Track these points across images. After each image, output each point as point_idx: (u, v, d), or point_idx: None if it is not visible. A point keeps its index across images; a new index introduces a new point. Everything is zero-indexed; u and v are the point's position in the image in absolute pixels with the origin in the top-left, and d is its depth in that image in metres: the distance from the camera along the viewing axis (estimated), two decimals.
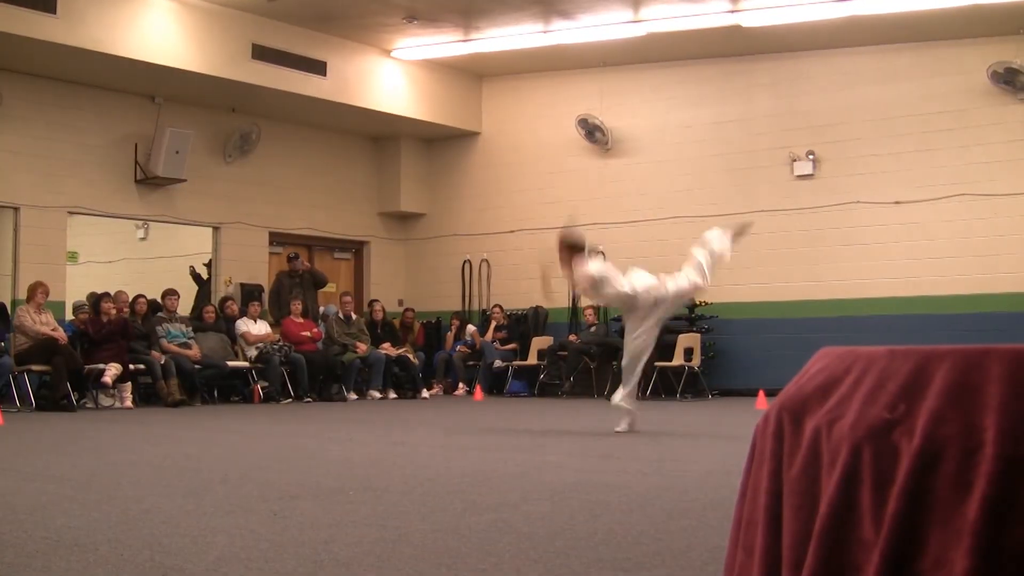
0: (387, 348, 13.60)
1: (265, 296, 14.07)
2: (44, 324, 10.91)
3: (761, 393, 10.75)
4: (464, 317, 15.37)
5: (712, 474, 5.33)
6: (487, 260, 15.65)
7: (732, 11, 12.14)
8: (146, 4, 12.00)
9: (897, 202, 12.68)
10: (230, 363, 12.26)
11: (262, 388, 12.36)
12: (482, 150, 15.83)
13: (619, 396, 7.79)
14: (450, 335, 15.20)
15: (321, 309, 14.13)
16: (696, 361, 12.88)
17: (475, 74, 15.51)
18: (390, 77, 14.48)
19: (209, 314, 12.68)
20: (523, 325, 14.94)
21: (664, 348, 11.70)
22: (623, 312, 7.80)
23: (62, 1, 11.16)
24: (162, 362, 11.41)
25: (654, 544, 3.34)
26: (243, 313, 13.05)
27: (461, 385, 14.49)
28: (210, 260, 14.27)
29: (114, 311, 11.39)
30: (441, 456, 6.43)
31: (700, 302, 13.46)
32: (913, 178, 12.61)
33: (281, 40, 13.12)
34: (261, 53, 12.93)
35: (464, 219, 15.85)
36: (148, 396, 11.69)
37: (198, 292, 14.11)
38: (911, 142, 12.66)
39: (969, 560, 1.41)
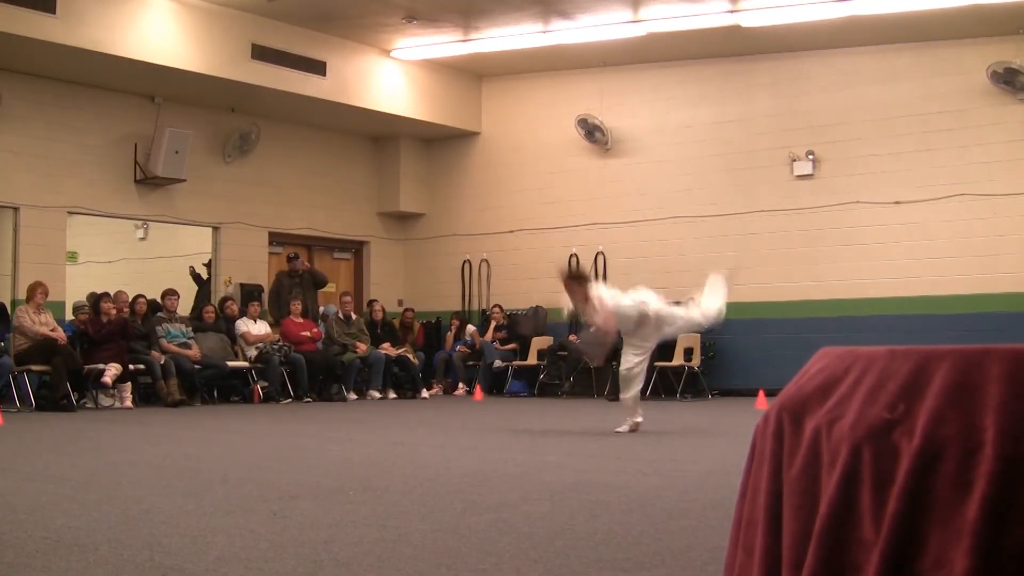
0: (387, 348, 13.60)
1: (265, 296, 14.07)
2: (43, 324, 10.91)
3: (761, 393, 10.75)
4: (464, 317, 15.38)
5: (712, 474, 5.33)
6: (487, 260, 15.65)
7: (732, 11, 12.14)
8: (146, 4, 12.00)
9: (897, 202, 12.68)
10: (230, 363, 12.26)
11: (262, 388, 12.36)
12: (482, 150, 15.83)
13: (629, 400, 7.79)
14: (450, 335, 15.20)
15: (321, 309, 14.13)
16: (696, 361, 12.88)
17: (475, 74, 15.51)
18: (390, 77, 14.48)
19: (209, 314, 12.68)
20: (523, 325, 14.92)
21: (664, 348, 11.69)
22: (627, 331, 7.75)
23: (62, 1, 11.16)
24: (162, 362, 11.41)
25: (654, 544, 3.34)
26: (243, 313, 13.05)
27: (461, 385, 14.49)
28: (210, 260, 14.27)
29: (114, 311, 11.39)
30: (441, 456, 6.43)
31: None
32: (913, 178, 12.61)
33: (281, 40, 13.12)
34: (261, 53, 12.93)
35: (464, 219, 15.85)
36: (148, 396, 11.69)
37: (198, 292, 14.11)
38: (911, 142, 12.66)
39: (969, 560, 1.41)
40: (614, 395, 10.79)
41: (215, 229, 14.13)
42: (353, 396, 13.04)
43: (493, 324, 14.80)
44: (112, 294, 11.77)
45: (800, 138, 13.30)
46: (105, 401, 11.26)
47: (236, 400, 12.49)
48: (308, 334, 13.15)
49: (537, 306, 14.95)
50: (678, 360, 12.75)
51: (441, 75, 15.07)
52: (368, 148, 16.05)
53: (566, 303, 7.99)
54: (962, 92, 12.38)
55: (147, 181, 13.19)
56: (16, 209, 12.27)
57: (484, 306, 15.53)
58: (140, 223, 15.11)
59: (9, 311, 11.45)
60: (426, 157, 16.26)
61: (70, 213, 12.75)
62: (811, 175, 13.24)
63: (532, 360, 14.40)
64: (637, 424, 7.75)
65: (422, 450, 6.80)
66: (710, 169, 13.95)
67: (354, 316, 13.80)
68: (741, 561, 1.82)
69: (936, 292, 12.38)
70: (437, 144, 16.15)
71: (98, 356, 10.92)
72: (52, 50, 11.38)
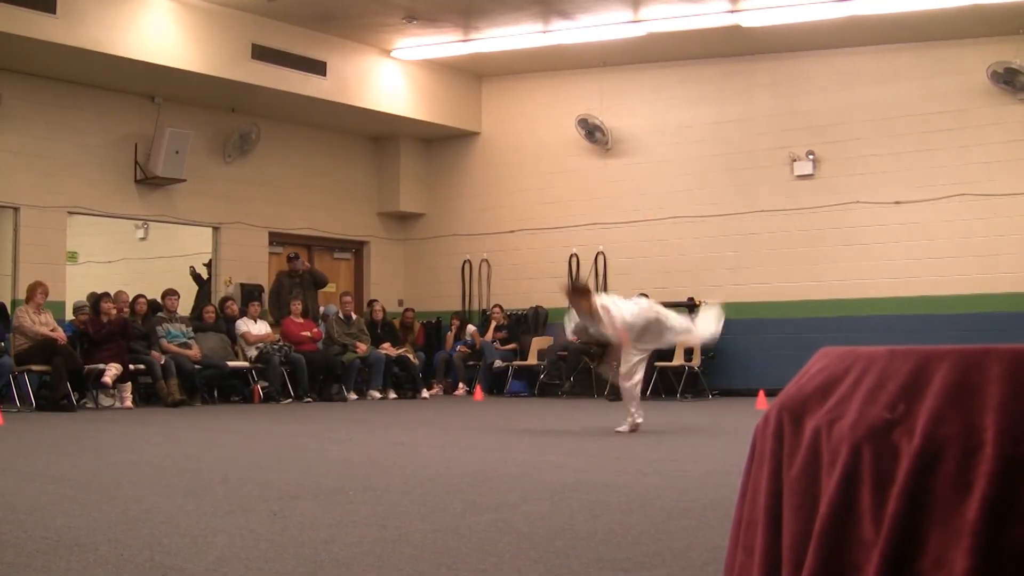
0: (387, 348, 13.60)
1: (265, 296, 14.07)
2: (43, 324, 10.91)
3: (761, 393, 10.75)
4: (464, 317, 15.38)
5: (712, 474, 5.33)
6: (487, 260, 15.65)
7: (732, 11, 12.14)
8: (146, 4, 12.00)
9: (897, 202, 12.68)
10: (230, 363, 12.26)
11: (262, 388, 12.36)
12: (482, 150, 15.83)
13: (629, 399, 7.83)
14: (450, 335, 15.20)
15: (321, 309, 14.13)
16: (696, 361, 12.88)
17: (475, 74, 15.51)
18: (390, 77, 14.48)
19: (209, 314, 12.68)
20: (523, 325, 14.93)
21: (664, 348, 11.70)
22: (602, 326, 7.79)
23: (62, 1, 11.16)
24: (162, 362, 11.41)
25: (654, 544, 3.34)
26: (243, 313, 13.05)
27: (461, 385, 14.49)
28: (210, 260, 14.27)
29: (114, 311, 11.39)
30: (441, 456, 6.43)
31: (701, 302, 13.47)
32: (913, 178, 12.61)
33: (281, 40, 13.12)
34: (261, 53, 12.93)
35: (464, 219, 15.85)
36: (148, 396, 11.69)
37: (198, 292, 14.11)
38: (911, 142, 12.66)
39: (969, 560, 1.41)
40: (614, 395, 10.81)
41: (215, 229, 14.13)
42: (353, 396, 13.04)
43: (493, 324, 14.80)
44: (112, 294, 11.77)
45: (800, 138, 13.30)
46: (105, 401, 11.26)
47: (236, 400, 12.49)
48: (308, 334, 13.15)
49: (537, 306, 14.97)
50: (678, 360, 12.75)
51: (441, 75, 15.07)
52: (368, 148, 16.05)
53: (571, 319, 8.02)
54: (962, 92, 12.38)
55: (147, 181, 13.19)
56: (16, 209, 12.27)
57: (484, 306, 15.53)
58: (140, 223, 15.11)
59: (9, 311, 11.45)
60: (426, 157, 16.26)
61: (70, 213, 12.75)
62: (811, 175, 13.24)
63: (532, 360, 14.40)
64: (637, 424, 7.77)
65: (422, 450, 6.80)
66: (710, 169, 13.95)
67: (354, 316, 13.80)
68: (741, 561, 1.82)
69: (936, 292, 12.38)
70: (437, 144, 16.15)
71: (98, 356, 10.92)
72: (52, 50, 11.38)
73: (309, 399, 12.47)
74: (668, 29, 12.63)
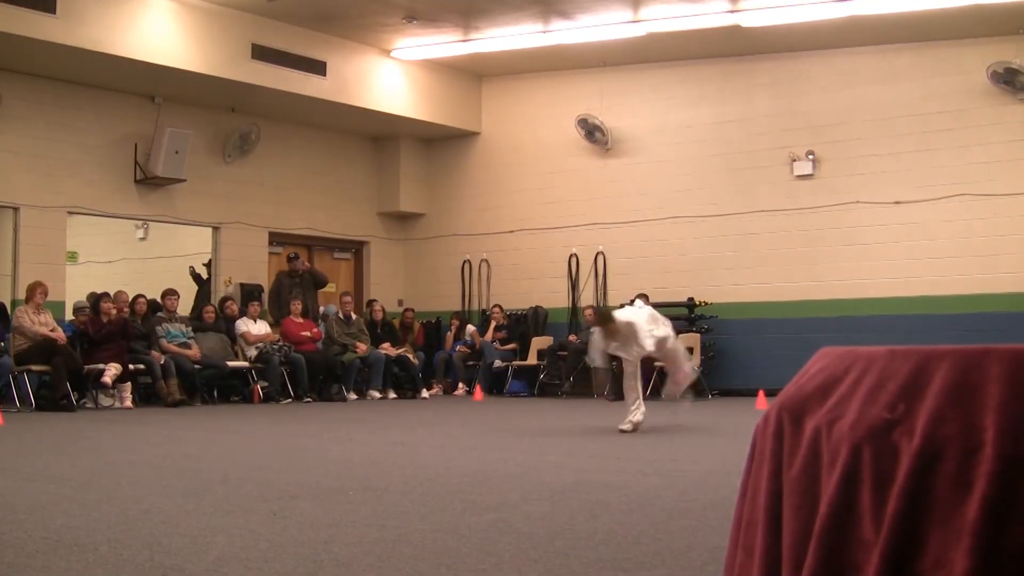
0: (387, 348, 13.60)
1: (265, 296, 14.07)
2: (43, 324, 10.91)
3: (761, 393, 10.75)
4: (464, 317, 15.38)
5: (712, 474, 5.33)
6: (487, 260, 15.65)
7: (732, 11, 12.14)
8: (146, 4, 12.00)
9: (897, 202, 12.68)
10: (230, 363, 12.26)
11: (262, 388, 12.35)
12: (482, 150, 15.83)
13: (637, 407, 7.94)
14: (450, 335, 15.20)
15: (321, 309, 14.13)
16: (696, 361, 12.87)
17: (475, 74, 15.51)
18: (390, 77, 14.48)
19: (209, 314, 12.68)
20: (523, 325, 14.94)
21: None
22: (627, 342, 7.97)
23: (62, 1, 11.16)
24: (162, 362, 11.41)
25: (654, 544, 3.34)
26: (243, 313, 13.05)
27: (461, 385, 14.49)
28: (210, 260, 14.27)
29: (114, 311, 11.39)
30: (441, 456, 6.43)
31: (700, 302, 13.49)
32: (913, 178, 12.61)
33: (281, 40, 13.12)
34: (261, 53, 12.93)
35: (464, 219, 15.85)
36: (148, 396, 11.69)
37: (198, 292, 14.11)
38: (911, 142, 12.66)
39: (969, 560, 1.41)
40: (614, 395, 10.83)
41: (215, 229, 14.13)
42: (353, 396, 13.03)
43: (493, 324, 14.80)
44: (112, 294, 11.77)
45: (800, 138, 13.30)
46: (105, 401, 11.26)
47: (236, 400, 12.49)
48: (308, 334, 13.15)
49: (537, 306, 14.98)
50: None
51: (441, 75, 15.07)
52: (368, 148, 16.05)
53: (595, 345, 8.12)
54: (962, 92, 12.38)
55: (147, 181, 13.19)
56: (16, 209, 12.27)
57: (484, 306, 15.53)
58: (140, 223, 15.11)
59: (9, 311, 11.45)
60: (426, 157, 16.26)
61: (70, 213, 12.75)
62: (811, 175, 13.24)
63: (532, 360, 14.40)
64: (638, 423, 7.80)
65: (422, 450, 6.80)
66: (710, 169, 13.95)
67: (354, 316, 13.80)
68: (741, 561, 1.82)
69: (936, 292, 12.38)
70: (437, 144, 16.15)
71: (98, 356, 10.92)
72: (52, 50, 11.38)
73: (309, 399, 12.47)
74: (668, 29, 12.63)
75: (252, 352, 12.56)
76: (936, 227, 12.44)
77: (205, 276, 14.29)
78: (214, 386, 12.33)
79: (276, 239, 14.88)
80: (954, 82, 12.43)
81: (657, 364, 9.92)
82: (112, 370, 10.79)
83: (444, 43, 13.86)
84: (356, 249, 16.14)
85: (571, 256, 14.86)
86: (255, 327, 12.84)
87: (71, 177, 12.65)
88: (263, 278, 14.42)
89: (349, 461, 6.06)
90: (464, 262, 15.78)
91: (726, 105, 13.89)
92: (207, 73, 12.54)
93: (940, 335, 11.41)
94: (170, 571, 2.95)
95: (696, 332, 13.20)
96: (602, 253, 14.66)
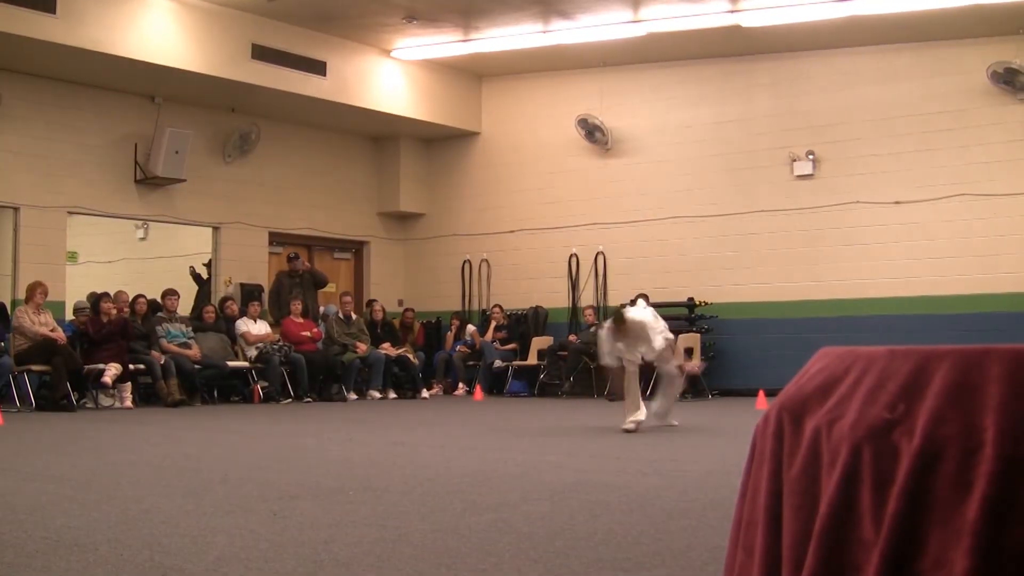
0: (387, 348, 13.60)
1: (265, 296, 14.07)
2: (43, 324, 10.90)
3: (761, 393, 10.75)
4: (464, 317, 15.38)
5: (712, 474, 5.33)
6: (487, 260, 15.65)
7: (732, 11, 12.14)
8: (146, 4, 12.00)
9: (897, 202, 12.68)
10: (230, 363, 12.26)
11: (262, 388, 12.35)
12: (482, 150, 15.83)
13: (638, 406, 7.97)
14: (450, 335, 15.20)
15: (321, 309, 14.13)
16: (696, 361, 12.87)
17: (475, 74, 15.51)
18: (390, 77, 14.48)
19: (209, 314, 12.68)
20: (523, 325, 14.95)
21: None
22: (631, 338, 8.01)
23: (62, 1, 11.16)
24: (162, 362, 11.41)
25: (654, 544, 3.34)
26: (243, 313, 13.05)
27: (461, 385, 14.49)
28: (210, 260, 14.27)
29: (114, 311, 11.39)
30: (441, 456, 6.43)
31: (701, 302, 13.49)
32: (913, 178, 12.61)
33: (281, 40, 13.12)
34: (261, 53, 12.93)
35: (464, 219, 15.85)
36: (148, 396, 11.69)
37: (198, 292, 14.11)
38: (911, 142, 12.66)
39: (969, 560, 1.41)
40: (614, 395, 10.85)
41: (215, 229, 14.13)
42: (353, 396, 13.03)
43: (493, 324, 14.80)
44: (112, 294, 11.77)
45: (800, 138, 13.30)
46: (105, 401, 11.26)
47: (236, 400, 12.49)
48: (308, 334, 13.15)
49: (537, 306, 14.98)
50: (678, 360, 12.71)
51: (441, 75, 15.07)
52: (368, 148, 16.05)
53: (607, 343, 8.14)
54: (962, 92, 12.37)
55: (147, 181, 13.19)
56: (16, 209, 12.27)
57: (484, 306, 15.54)
58: (140, 223, 15.11)
59: (9, 311, 11.45)
60: (426, 157, 16.26)
61: (70, 213, 12.75)
62: (811, 175, 13.24)
63: (532, 360, 14.40)
64: (640, 421, 7.84)
65: (422, 450, 6.80)
66: (710, 169, 13.95)
67: (354, 316, 13.80)
68: (741, 561, 1.82)
69: (936, 292, 12.38)
70: (437, 144, 16.15)
71: (98, 356, 10.92)
72: (52, 50, 11.38)
73: (309, 399, 12.47)
74: (668, 29, 12.63)
75: (252, 352, 12.56)
76: (936, 227, 12.44)
77: (205, 276, 14.29)
78: (214, 386, 12.33)
79: (276, 239, 14.88)
80: (954, 82, 12.43)
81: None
82: (112, 370, 10.79)
83: (444, 43, 13.86)
84: (356, 249, 16.14)
85: (571, 256, 14.86)
86: (255, 327, 12.84)
87: (71, 177, 12.65)
88: (263, 278, 14.42)
89: (349, 461, 6.06)
90: (464, 262, 15.78)
91: (726, 105, 13.89)
92: (207, 73, 12.54)
93: (940, 335, 11.41)
94: (170, 571, 2.95)
95: (696, 332, 13.19)
96: (602, 253, 14.66)
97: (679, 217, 14.00)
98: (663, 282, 13.81)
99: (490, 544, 3.32)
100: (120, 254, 16.12)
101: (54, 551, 3.23)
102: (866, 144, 12.91)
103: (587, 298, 14.65)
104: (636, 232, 14.32)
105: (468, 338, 14.79)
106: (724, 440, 7.53)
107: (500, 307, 15.01)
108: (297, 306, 13.28)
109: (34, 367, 10.71)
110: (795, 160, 13.31)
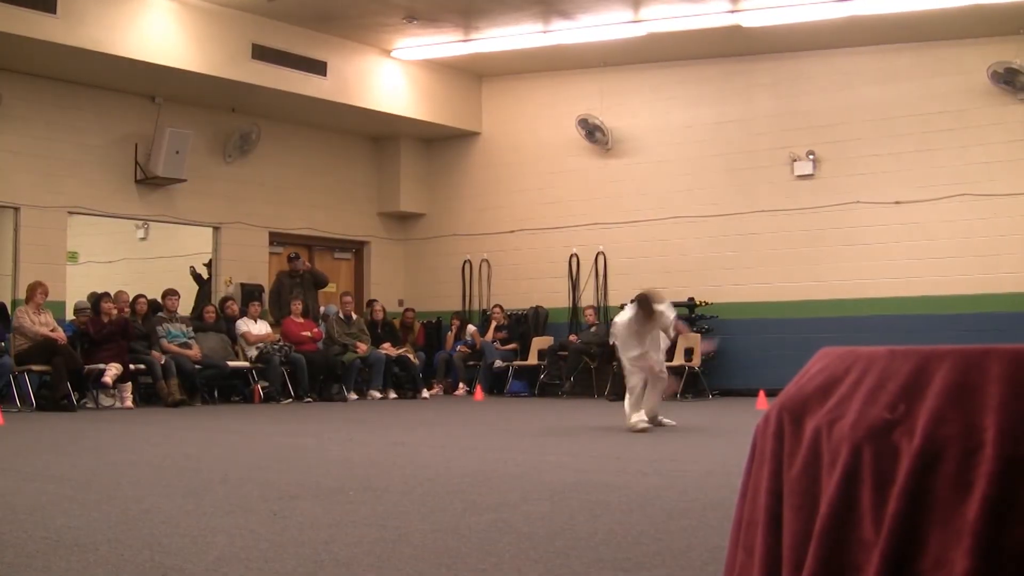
0: (387, 348, 13.60)
1: (265, 296, 14.07)
2: (43, 325, 10.91)
3: (761, 393, 10.75)
4: (464, 317, 15.38)
5: (712, 474, 5.33)
6: (487, 260, 15.65)
7: (732, 11, 12.14)
8: (146, 4, 12.00)
9: (897, 202, 12.68)
10: (230, 363, 12.26)
11: (262, 388, 12.35)
12: (482, 150, 15.83)
13: (641, 411, 7.98)
14: (450, 335, 15.20)
15: (321, 309, 14.13)
16: (696, 361, 12.88)
17: (475, 74, 15.51)
18: (390, 77, 14.48)
19: (209, 314, 12.68)
20: (523, 325, 14.95)
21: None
22: (637, 332, 8.02)
23: (62, 1, 11.16)
24: (162, 362, 11.41)
25: (654, 544, 3.34)
26: (243, 313, 13.05)
27: (461, 385, 14.49)
28: (210, 260, 14.27)
29: (114, 311, 11.39)
30: (441, 456, 6.43)
31: (701, 302, 13.49)
32: (913, 178, 12.61)
33: (281, 40, 13.12)
34: (261, 53, 12.93)
35: (464, 219, 15.85)
36: (148, 396, 11.69)
37: (198, 292, 14.12)
38: (911, 142, 12.65)
39: (969, 560, 1.40)
40: (614, 395, 10.86)
41: (215, 229, 14.13)
42: (353, 396, 13.03)
43: (493, 324, 14.80)
44: (112, 294, 11.77)
45: (800, 138, 13.29)
46: (105, 401, 11.26)
47: (236, 400, 12.49)
48: (308, 334, 13.15)
49: (537, 306, 14.98)
50: (678, 360, 12.74)
51: (441, 75, 15.07)
52: (368, 148, 16.05)
53: (620, 323, 8.18)
54: (962, 92, 12.37)
55: (147, 181, 13.19)
56: (16, 209, 12.27)
57: (484, 306, 15.54)
58: (140, 223, 15.11)
59: (10, 311, 11.45)
60: (426, 157, 16.26)
61: (70, 213, 12.75)
62: (811, 175, 13.24)
63: (532, 360, 14.40)
64: (643, 420, 7.88)
65: (422, 450, 6.80)
66: (710, 169, 13.95)
67: (354, 316, 13.80)
68: (741, 561, 1.82)
69: (937, 292, 12.38)
70: (437, 144, 16.15)
71: (98, 356, 10.92)
72: (52, 50, 11.38)
73: (309, 399, 12.47)
74: (668, 29, 12.63)
75: (252, 352, 12.56)
76: (936, 227, 12.44)
77: (205, 276, 14.29)
78: (214, 386, 12.33)
79: (276, 239, 14.88)
80: (954, 82, 12.43)
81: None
82: (112, 370, 10.79)
83: (444, 43, 13.86)
84: (356, 249, 16.14)
85: (571, 256, 14.86)
86: (255, 327, 12.84)
87: (71, 177, 12.65)
88: (263, 278, 14.42)
89: (349, 461, 6.06)
90: (464, 262, 15.78)
91: (726, 105, 13.89)
92: (207, 73, 12.54)
93: (940, 335, 11.41)
94: (170, 571, 2.95)
95: (696, 332, 13.18)
96: (602, 253, 14.66)
97: (679, 217, 14.00)
98: (663, 282, 13.75)
99: (490, 544, 3.31)
100: (120, 254, 16.12)
101: (54, 551, 3.23)
102: (866, 144, 12.91)
103: (587, 298, 14.65)
104: (636, 232, 14.32)
105: (468, 338, 14.79)
106: (724, 440, 7.53)
107: (500, 307, 15.01)
108: (297, 306, 13.28)
109: (34, 367, 10.71)
110: (795, 160, 13.31)
